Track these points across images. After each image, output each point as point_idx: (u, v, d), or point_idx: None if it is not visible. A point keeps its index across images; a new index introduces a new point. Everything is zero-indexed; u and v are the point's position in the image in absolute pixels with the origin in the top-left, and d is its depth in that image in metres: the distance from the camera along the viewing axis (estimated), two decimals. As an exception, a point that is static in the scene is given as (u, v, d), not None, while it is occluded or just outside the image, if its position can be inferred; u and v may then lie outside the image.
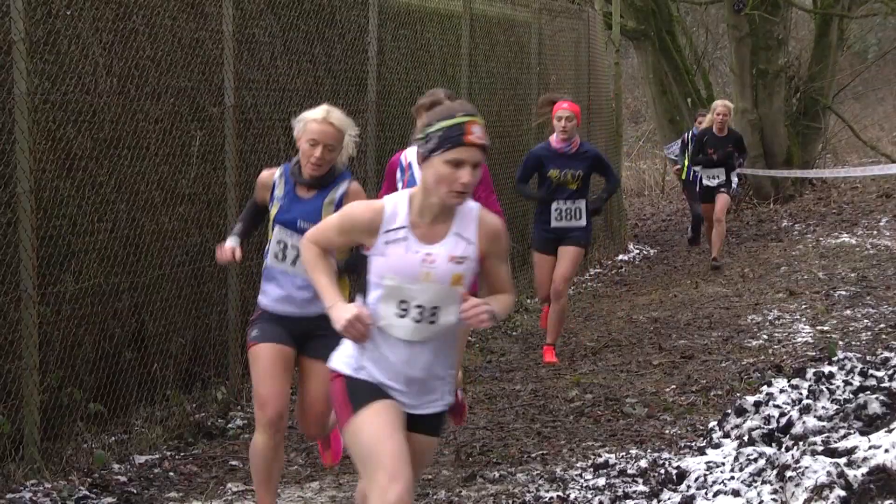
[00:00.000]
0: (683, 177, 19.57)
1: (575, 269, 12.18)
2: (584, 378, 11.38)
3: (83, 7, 9.27)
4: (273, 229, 7.27)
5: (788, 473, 6.41)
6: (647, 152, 33.36)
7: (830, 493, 6.12)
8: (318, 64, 12.07)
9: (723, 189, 17.55)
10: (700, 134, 17.97)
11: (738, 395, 9.95)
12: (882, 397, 7.33)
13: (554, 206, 11.94)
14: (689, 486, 7.21)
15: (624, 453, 8.75)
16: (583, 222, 11.96)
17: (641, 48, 25.18)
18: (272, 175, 7.31)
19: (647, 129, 34.04)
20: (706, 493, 6.93)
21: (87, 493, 8.15)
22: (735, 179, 17.82)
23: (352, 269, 6.96)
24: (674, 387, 10.90)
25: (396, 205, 5.21)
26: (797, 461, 6.48)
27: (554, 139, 12.01)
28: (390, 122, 13.10)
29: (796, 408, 7.84)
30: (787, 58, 25.24)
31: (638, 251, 20.87)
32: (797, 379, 8.51)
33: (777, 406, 8.10)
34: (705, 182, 17.71)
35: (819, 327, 12.91)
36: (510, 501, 7.79)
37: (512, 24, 16.65)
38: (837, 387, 8.19)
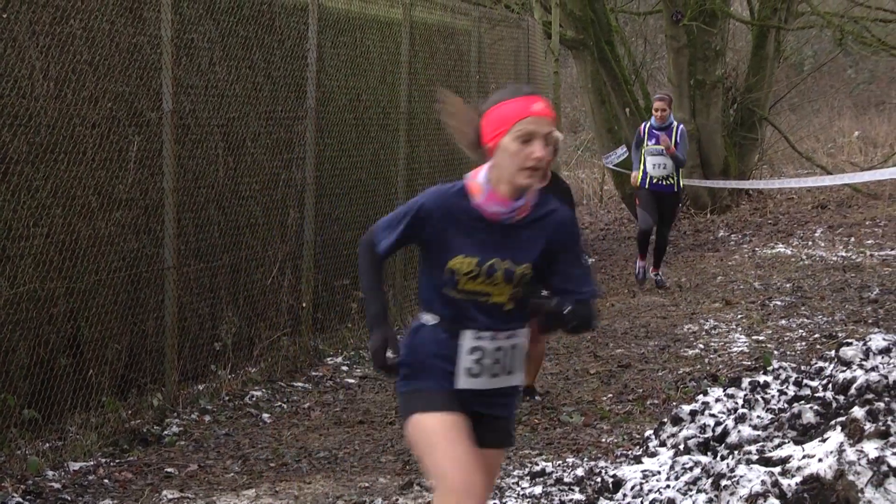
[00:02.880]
0: (639, 182, 16.71)
1: None
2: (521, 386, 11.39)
3: (19, 10, 9.20)
4: None
5: (723, 482, 6.45)
6: (585, 161, 33.47)
7: (765, 501, 6.16)
8: (258, 70, 12.04)
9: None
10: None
11: (674, 403, 10.00)
12: (816, 407, 7.39)
13: None
14: (625, 495, 7.23)
15: (560, 462, 8.77)
16: None
17: (580, 57, 25.26)
18: None
19: (586, 139, 34.16)
20: (642, 502, 6.96)
21: (21, 499, 8.08)
22: None
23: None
24: (610, 395, 10.94)
25: None
26: (732, 470, 6.51)
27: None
28: (329, 129, 13.07)
29: (731, 417, 7.89)
30: (724, 69, 25.41)
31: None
32: (732, 388, 8.56)
33: (713, 415, 8.14)
34: None
35: (754, 337, 13.00)
36: (447, 509, 7.78)
37: (452, 32, 16.67)
38: (772, 396, 8.24)
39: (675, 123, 16.66)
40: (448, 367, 5.14)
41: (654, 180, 16.53)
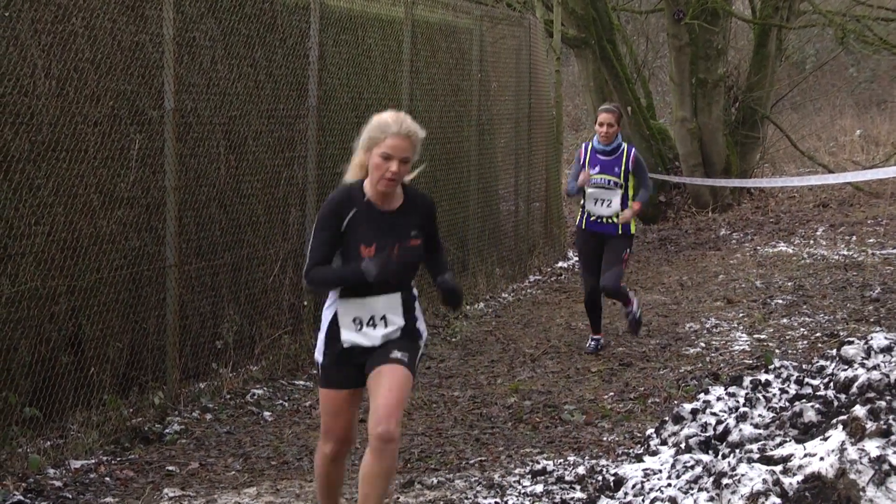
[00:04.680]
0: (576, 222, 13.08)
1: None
2: (522, 385, 11.40)
3: (22, 9, 9.20)
4: None
5: (725, 481, 6.45)
6: (587, 160, 33.43)
7: (766, 500, 6.16)
8: (259, 68, 12.03)
9: (397, 354, 6.63)
10: (348, 191, 6.73)
11: (675, 402, 10.00)
12: (818, 405, 7.39)
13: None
14: (626, 493, 7.24)
15: (562, 460, 8.77)
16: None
17: (582, 56, 25.27)
18: None
19: (587, 137, 34.17)
20: (643, 501, 6.96)
21: (22, 497, 8.08)
22: (420, 319, 6.85)
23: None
24: (612, 394, 10.94)
25: None
26: (733, 469, 6.51)
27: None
28: (331, 127, 13.07)
29: (733, 415, 7.89)
30: (726, 67, 25.41)
31: (577, 258, 20.91)
32: (734, 387, 8.56)
33: (714, 414, 8.14)
34: (347, 340, 6.77)
35: (756, 335, 13.00)
36: (448, 508, 7.80)
37: (453, 30, 16.66)
38: (774, 395, 8.24)
39: (625, 145, 12.68)
40: None
41: (594, 218, 12.63)
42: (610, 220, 12.52)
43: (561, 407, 10.51)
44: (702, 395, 8.61)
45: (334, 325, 6.58)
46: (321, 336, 6.65)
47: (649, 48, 32.73)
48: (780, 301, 14.81)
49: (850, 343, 8.31)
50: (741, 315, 14.23)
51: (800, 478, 6.27)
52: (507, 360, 12.60)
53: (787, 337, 12.78)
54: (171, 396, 10.30)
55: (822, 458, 6.29)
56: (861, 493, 6.08)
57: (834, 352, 8.45)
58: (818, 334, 12.75)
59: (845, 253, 18.48)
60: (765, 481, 6.27)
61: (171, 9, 10.23)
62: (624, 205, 12.48)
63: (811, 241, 20.16)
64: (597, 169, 12.50)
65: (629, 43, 28.82)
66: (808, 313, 13.95)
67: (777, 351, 11.95)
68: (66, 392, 9.40)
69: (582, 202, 12.76)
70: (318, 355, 6.66)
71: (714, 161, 24.85)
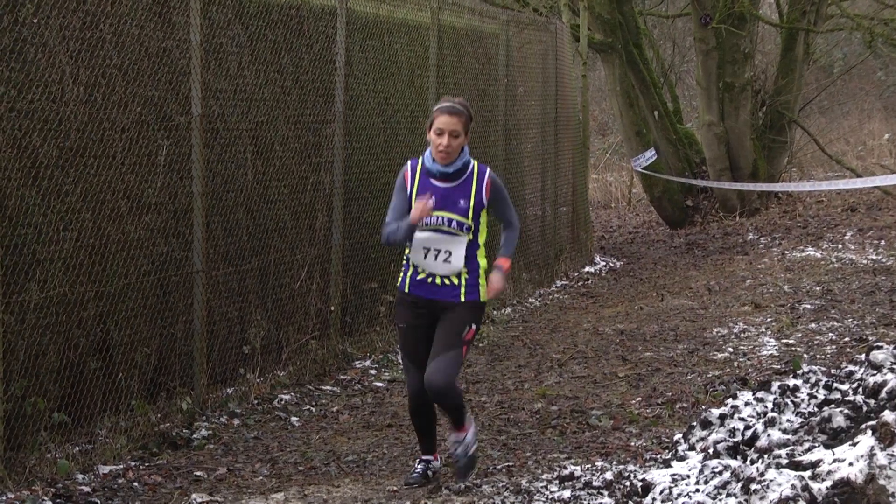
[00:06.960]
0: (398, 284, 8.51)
1: None
2: (549, 390, 11.39)
3: (50, 15, 9.23)
4: None
5: (753, 486, 6.43)
6: (613, 165, 33.46)
7: (795, 506, 6.14)
8: (286, 74, 12.06)
9: None
10: None
11: (703, 407, 9.97)
12: (846, 411, 7.36)
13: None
14: (654, 499, 7.22)
15: (589, 465, 8.75)
16: None
17: (609, 61, 25.24)
18: None
19: (614, 142, 34.14)
20: (671, 506, 6.93)
21: (51, 502, 8.11)
22: None
23: None
24: (639, 399, 10.92)
25: None
26: (762, 474, 6.49)
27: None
28: (358, 133, 13.09)
29: (761, 421, 7.86)
30: (753, 71, 25.35)
31: (604, 263, 20.91)
32: (762, 392, 8.53)
33: (742, 419, 8.11)
34: None
35: (784, 340, 12.96)
36: (475, 513, 7.78)
37: (480, 35, 16.66)
38: (802, 400, 8.21)
39: (475, 164, 8.26)
40: None
41: (421, 277, 8.21)
42: (448, 282, 8.22)
43: (588, 412, 10.50)
44: (730, 401, 8.58)
45: None
46: None
47: (676, 52, 32.68)
48: (809, 306, 14.77)
49: (879, 348, 8.27)
50: (769, 320, 14.18)
51: (829, 483, 6.24)
52: (534, 366, 12.58)
53: (816, 342, 12.74)
54: (199, 402, 10.32)
55: (851, 464, 6.26)
56: (891, 499, 6.06)
57: (863, 357, 8.41)
58: (847, 339, 12.70)
59: (874, 257, 18.40)
60: (793, 487, 6.25)
61: (198, 15, 10.26)
62: (471, 259, 8.29)
63: (839, 246, 20.09)
64: (431, 202, 8.03)
65: (656, 47, 28.77)
66: (837, 318, 13.90)
67: (805, 356, 11.91)
68: (95, 397, 9.43)
69: (405, 253, 8.34)
70: None
71: (741, 165, 24.79)
